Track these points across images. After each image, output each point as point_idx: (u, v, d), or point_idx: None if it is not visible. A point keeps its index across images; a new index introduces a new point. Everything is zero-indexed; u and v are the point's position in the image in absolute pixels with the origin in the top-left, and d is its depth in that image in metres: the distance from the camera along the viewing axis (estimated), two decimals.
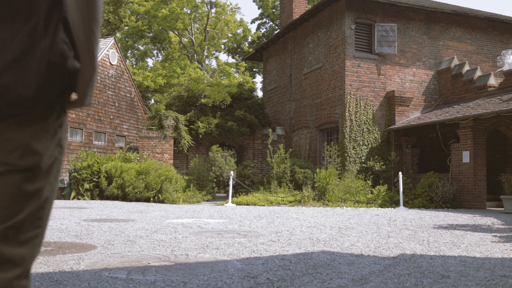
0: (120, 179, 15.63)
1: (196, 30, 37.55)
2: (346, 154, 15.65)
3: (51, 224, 7.71)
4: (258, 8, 40.18)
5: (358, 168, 15.62)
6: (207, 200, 16.65)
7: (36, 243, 1.30)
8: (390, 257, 4.97)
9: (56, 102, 1.29)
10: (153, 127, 18.12)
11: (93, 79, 1.34)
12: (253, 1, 40.41)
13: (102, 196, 16.16)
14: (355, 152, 15.74)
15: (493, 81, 15.12)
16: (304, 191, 14.58)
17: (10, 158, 1.22)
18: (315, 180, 14.78)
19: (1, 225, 1.22)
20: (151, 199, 15.34)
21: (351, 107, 15.88)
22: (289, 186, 15.48)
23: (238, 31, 38.09)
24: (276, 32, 32.99)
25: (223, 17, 36.76)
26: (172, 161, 18.17)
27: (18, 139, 1.23)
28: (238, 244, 5.69)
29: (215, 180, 26.00)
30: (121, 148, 20.77)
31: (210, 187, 17.77)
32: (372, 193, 14.36)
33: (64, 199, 16.51)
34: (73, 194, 16.10)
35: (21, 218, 1.25)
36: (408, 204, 13.76)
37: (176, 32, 35.70)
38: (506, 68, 14.31)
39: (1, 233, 1.22)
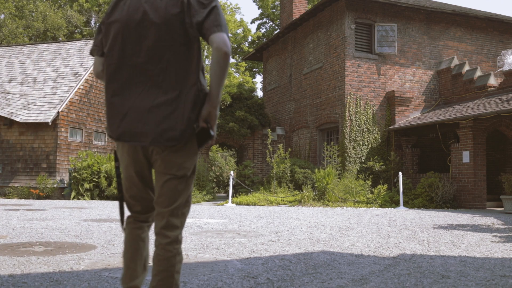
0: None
1: None
2: (346, 154, 15.65)
3: (51, 224, 7.71)
4: (258, 8, 40.19)
5: (358, 168, 15.62)
6: (207, 200, 16.65)
7: (185, 216, 2.37)
8: (390, 257, 4.96)
9: (193, 137, 2.23)
10: None
11: (216, 120, 2.24)
12: (253, 1, 40.43)
13: (102, 196, 16.17)
14: (355, 152, 15.74)
15: (493, 81, 15.12)
16: (304, 191, 14.58)
17: (172, 171, 2.27)
18: (315, 180, 14.78)
19: (169, 207, 2.27)
20: None
21: (351, 107, 15.88)
22: (289, 186, 15.48)
23: (238, 31, 38.10)
24: (276, 32, 32.99)
25: None
26: None
27: (175, 160, 2.25)
28: (238, 244, 5.69)
29: (215, 180, 26.00)
30: None
31: (210, 187, 17.77)
32: (372, 193, 14.36)
33: (64, 199, 16.52)
34: (73, 194, 16.11)
35: (178, 203, 2.31)
36: (408, 204, 13.76)
37: None
38: (506, 68, 14.31)
39: (170, 211, 2.27)
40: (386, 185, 14.52)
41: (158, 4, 2.20)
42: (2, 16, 33.64)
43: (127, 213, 2.46)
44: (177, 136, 2.17)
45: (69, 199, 16.38)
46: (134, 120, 2.21)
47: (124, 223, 2.44)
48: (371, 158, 15.69)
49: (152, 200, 2.40)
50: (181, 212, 2.32)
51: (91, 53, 2.43)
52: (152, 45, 2.20)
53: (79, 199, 15.95)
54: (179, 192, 2.30)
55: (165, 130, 2.17)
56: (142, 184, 2.38)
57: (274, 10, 38.81)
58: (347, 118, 15.82)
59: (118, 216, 9.52)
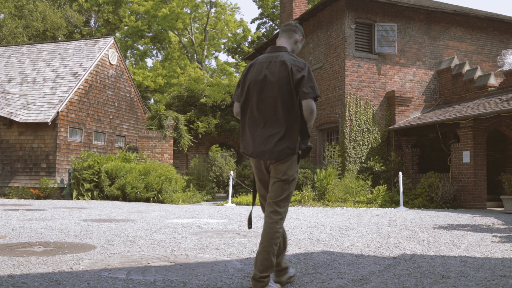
0: (122, 179, 15.61)
1: (196, 30, 37.54)
2: (346, 154, 15.64)
3: (51, 224, 7.70)
4: (258, 8, 40.17)
5: (358, 168, 15.60)
6: (206, 200, 16.64)
7: (286, 208, 3.35)
8: (390, 257, 4.96)
9: (294, 155, 3.33)
10: (153, 127, 18.11)
11: (310, 138, 3.38)
12: (253, 1, 40.41)
13: (102, 196, 16.16)
14: (355, 152, 15.73)
15: (493, 81, 15.11)
16: (304, 191, 14.57)
17: (278, 176, 3.32)
18: (315, 180, 14.77)
19: (276, 199, 3.29)
20: (151, 199, 15.33)
21: (351, 107, 15.87)
22: None
23: (238, 31, 38.08)
24: (276, 32, 32.97)
25: (223, 17, 36.76)
26: (172, 161, 18.16)
27: (282, 169, 3.31)
28: (238, 244, 5.68)
29: (215, 180, 26.00)
30: (120, 148, 20.76)
31: (210, 187, 17.77)
32: (372, 193, 14.35)
33: (64, 199, 16.51)
34: (74, 194, 16.10)
35: (282, 197, 3.32)
36: (408, 204, 13.75)
37: (176, 32, 35.69)
38: (506, 68, 14.30)
39: (276, 202, 3.29)
40: (386, 185, 14.51)
41: (274, 70, 3.41)
42: (2, 16, 33.63)
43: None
44: (282, 154, 3.32)
45: (69, 199, 16.37)
46: (259, 144, 3.38)
47: (252, 224, 3.66)
48: (371, 158, 15.68)
49: None
50: (283, 204, 3.36)
51: (233, 99, 3.69)
52: (271, 96, 3.39)
53: (79, 199, 15.95)
54: (283, 190, 3.35)
55: (276, 150, 3.32)
56: (264, 187, 3.51)
57: (274, 10, 38.80)
58: (347, 118, 15.81)
59: (110, 218, 9.55)
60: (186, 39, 37.18)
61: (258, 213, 11.01)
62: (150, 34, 37.89)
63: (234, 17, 37.26)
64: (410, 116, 16.29)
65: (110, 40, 20.53)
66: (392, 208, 13.11)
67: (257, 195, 3.65)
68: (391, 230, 7.45)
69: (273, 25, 39.76)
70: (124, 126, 21.52)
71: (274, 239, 3.24)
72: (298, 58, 3.48)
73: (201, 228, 7.48)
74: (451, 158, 14.16)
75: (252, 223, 8.44)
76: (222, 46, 39.55)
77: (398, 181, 14.02)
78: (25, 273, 3.89)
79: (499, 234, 7.03)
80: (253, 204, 3.77)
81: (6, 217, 8.86)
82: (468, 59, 17.11)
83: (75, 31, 38.30)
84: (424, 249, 5.54)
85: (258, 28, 40.33)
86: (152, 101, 37.14)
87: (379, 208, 13.14)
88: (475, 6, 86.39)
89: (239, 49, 39.88)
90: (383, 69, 16.37)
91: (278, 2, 36.36)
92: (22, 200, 15.82)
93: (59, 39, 33.35)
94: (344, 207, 13.34)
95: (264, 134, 3.37)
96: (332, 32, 16.82)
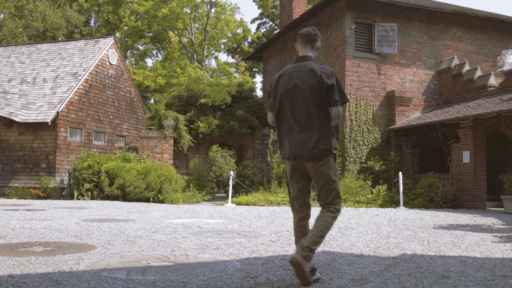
0: (121, 179, 15.61)
1: (196, 30, 37.54)
2: (346, 154, 15.64)
3: (51, 224, 7.70)
4: (258, 8, 40.17)
5: (358, 168, 15.60)
6: (207, 200, 16.64)
7: (340, 204, 3.64)
8: (390, 257, 4.96)
9: (330, 155, 3.58)
10: (153, 127, 18.11)
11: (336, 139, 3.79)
12: (253, 1, 40.41)
13: (102, 196, 16.16)
14: (355, 152, 15.73)
15: (493, 81, 15.11)
16: None
17: (322, 179, 3.60)
18: None
19: (326, 201, 3.61)
20: (151, 199, 15.33)
21: (351, 107, 15.87)
22: None
23: (238, 31, 38.08)
24: (276, 32, 32.99)
25: (223, 17, 36.75)
26: (172, 161, 18.16)
27: (323, 171, 3.58)
28: (238, 244, 5.69)
29: (215, 180, 26.00)
30: (120, 148, 20.76)
31: (210, 187, 17.77)
32: (372, 193, 14.35)
33: (64, 199, 16.51)
34: (75, 193, 16.10)
35: (332, 196, 3.61)
36: (408, 204, 13.75)
37: (176, 32, 35.69)
38: (506, 68, 14.30)
39: (329, 203, 3.61)
40: (386, 185, 14.51)
41: (303, 77, 3.65)
42: (2, 15, 33.63)
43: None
44: (320, 155, 3.55)
45: (69, 199, 16.36)
46: (296, 147, 3.62)
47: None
48: (371, 158, 15.68)
49: (307, 199, 3.73)
50: (336, 202, 3.63)
51: (267, 110, 3.92)
52: (303, 102, 3.63)
53: (79, 199, 15.95)
54: (330, 191, 3.62)
55: (314, 152, 3.56)
56: (298, 189, 3.70)
57: (274, 10, 38.79)
58: (347, 118, 15.81)
59: (110, 218, 9.56)
60: (186, 39, 37.18)
61: (258, 213, 11.00)
62: (150, 34, 37.88)
63: (234, 17, 37.26)
64: (410, 116, 16.29)
65: (110, 40, 20.52)
66: (392, 208, 13.11)
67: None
68: (391, 230, 7.45)
69: (273, 25, 39.75)
70: (124, 126, 21.52)
71: (327, 223, 3.55)
72: (325, 65, 3.77)
73: (201, 228, 7.48)
74: (451, 158, 14.16)
75: (253, 223, 8.46)
76: (222, 46, 39.54)
77: (398, 181, 14.02)
78: (25, 273, 3.89)
79: (499, 234, 7.03)
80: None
81: (6, 217, 8.86)
82: (468, 59, 17.11)
83: (75, 31, 38.30)
84: (424, 249, 5.54)
85: (258, 28, 40.33)
86: (152, 101, 37.14)
87: (379, 208, 13.14)
88: (475, 6, 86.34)
89: (239, 49, 39.87)
90: (383, 69, 16.37)
91: (278, 2, 36.36)
92: (22, 200, 15.82)
93: (59, 39, 33.35)
94: (344, 207, 13.34)
95: (300, 138, 3.62)
96: (332, 32, 16.82)
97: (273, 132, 18.21)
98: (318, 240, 3.47)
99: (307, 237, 3.47)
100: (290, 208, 13.40)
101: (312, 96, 3.59)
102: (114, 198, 15.84)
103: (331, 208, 3.62)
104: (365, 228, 7.69)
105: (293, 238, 6.38)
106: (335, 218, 3.61)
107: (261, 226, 7.86)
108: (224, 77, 36.41)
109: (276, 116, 3.79)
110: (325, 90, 3.59)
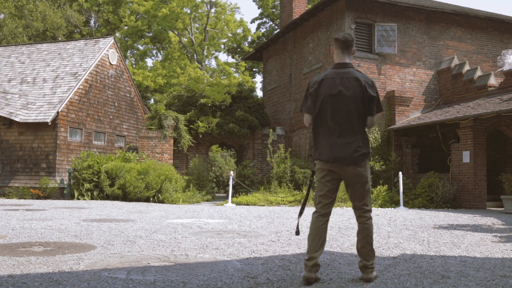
0: (122, 179, 15.60)
1: (196, 30, 37.54)
2: None
3: (51, 224, 7.70)
4: (258, 8, 40.17)
5: None
6: (206, 200, 16.64)
7: (370, 202, 3.91)
8: (390, 257, 4.96)
9: (367, 159, 3.85)
10: (153, 127, 18.11)
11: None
12: (253, 1, 40.40)
13: (102, 196, 16.16)
14: None
15: (493, 81, 15.11)
16: (304, 191, 14.57)
17: (359, 180, 3.82)
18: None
19: (361, 202, 3.85)
20: (151, 199, 15.33)
21: None
22: (289, 186, 15.46)
23: (238, 31, 38.08)
24: (276, 32, 32.98)
25: (223, 16, 36.75)
26: (172, 161, 18.16)
27: (361, 173, 3.81)
28: (238, 244, 5.68)
29: (215, 180, 25.99)
30: (120, 148, 20.76)
31: (210, 187, 17.76)
32: (372, 193, 14.35)
33: (64, 199, 16.50)
34: (76, 193, 16.09)
35: (367, 197, 3.87)
36: (408, 204, 13.75)
37: (176, 32, 35.68)
38: (506, 68, 14.30)
39: (364, 204, 3.85)
40: (386, 185, 14.51)
41: (347, 85, 3.81)
42: (2, 15, 33.62)
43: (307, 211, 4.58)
44: (360, 159, 3.78)
45: (69, 199, 16.36)
46: (337, 151, 3.78)
47: (302, 215, 4.12)
48: (371, 158, 15.68)
49: (333, 199, 3.90)
50: (369, 202, 3.89)
51: (301, 111, 4.07)
52: (346, 109, 3.80)
53: (79, 199, 15.94)
54: (365, 191, 3.86)
55: (355, 156, 3.77)
56: (329, 188, 3.86)
57: (274, 10, 38.79)
58: None
59: (110, 218, 9.56)
60: (186, 39, 37.18)
61: (258, 213, 11.00)
62: (150, 34, 37.88)
63: (234, 17, 37.25)
64: (410, 116, 16.28)
65: (110, 40, 20.52)
66: (392, 208, 13.11)
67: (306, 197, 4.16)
68: (391, 230, 7.45)
69: (273, 25, 39.75)
70: (124, 126, 21.52)
71: (370, 231, 3.81)
72: (365, 75, 4.00)
73: (201, 228, 7.48)
74: (451, 158, 14.16)
75: (253, 223, 8.46)
76: (222, 46, 39.54)
77: (398, 181, 14.01)
78: (25, 273, 3.89)
79: (499, 234, 7.03)
80: (301, 213, 4.03)
81: (6, 217, 8.86)
82: (468, 59, 17.11)
83: (75, 31, 38.30)
84: (424, 249, 5.54)
85: (258, 28, 40.32)
86: (152, 101, 37.14)
87: (379, 208, 13.14)
88: (475, 6, 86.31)
89: (239, 49, 39.86)
90: (383, 69, 16.37)
91: (278, 2, 36.35)
92: (22, 200, 15.82)
93: (59, 39, 33.35)
94: (344, 207, 13.34)
95: (341, 142, 3.80)
96: (332, 32, 16.82)
97: (273, 132, 18.23)
98: (372, 253, 3.82)
99: (364, 255, 3.79)
100: (290, 207, 13.45)
101: (356, 103, 3.79)
102: (114, 198, 15.84)
103: (365, 210, 3.86)
104: None
105: (293, 238, 6.37)
106: (371, 219, 3.89)
107: (261, 226, 7.86)
108: (224, 77, 36.41)
109: (315, 119, 3.92)
110: (367, 100, 3.82)
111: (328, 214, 3.85)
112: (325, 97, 3.82)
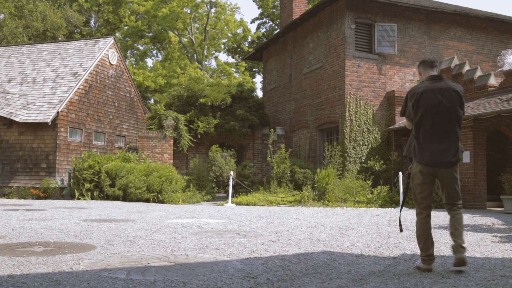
0: (125, 180, 15.58)
1: (196, 30, 37.55)
2: (346, 154, 15.64)
3: (51, 224, 7.70)
4: (258, 8, 40.17)
5: (358, 168, 15.60)
6: (206, 200, 16.64)
7: (461, 197, 4.40)
8: (390, 257, 4.96)
9: (458, 162, 4.33)
10: (153, 127, 18.11)
11: None
12: (253, 1, 40.41)
13: (102, 196, 16.16)
14: (355, 152, 15.73)
15: (493, 81, 15.11)
16: (304, 191, 14.57)
17: (452, 181, 4.35)
18: (315, 180, 14.76)
19: (455, 198, 4.35)
20: (151, 199, 15.33)
21: (351, 107, 15.87)
22: (289, 186, 15.46)
23: (238, 31, 38.09)
24: (276, 32, 32.98)
25: (223, 17, 36.76)
26: (172, 161, 18.16)
27: (454, 175, 4.33)
28: (238, 244, 5.68)
29: (215, 180, 25.99)
30: (120, 148, 20.76)
31: (210, 187, 17.75)
32: (372, 193, 14.35)
33: (64, 199, 16.51)
34: (77, 194, 16.09)
35: (458, 195, 4.34)
36: (408, 204, 13.74)
37: (176, 32, 35.69)
38: (506, 68, 14.30)
39: (456, 201, 4.34)
40: (387, 186, 14.50)
41: (447, 96, 4.27)
42: (2, 16, 33.62)
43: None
44: (456, 163, 4.27)
45: (69, 199, 16.36)
46: (437, 156, 4.26)
47: (403, 227, 4.77)
48: (371, 158, 15.68)
49: (431, 199, 4.39)
50: (460, 198, 4.35)
51: (402, 115, 4.62)
52: (445, 118, 4.26)
53: (79, 199, 15.94)
54: (456, 190, 4.33)
55: (453, 160, 4.25)
56: (428, 189, 4.35)
57: (274, 10, 38.80)
58: (347, 118, 15.81)
59: (110, 218, 9.55)
60: (186, 39, 37.18)
61: (258, 213, 11.00)
62: (150, 34, 37.88)
63: (234, 17, 37.26)
64: None
65: (110, 40, 20.53)
66: (392, 208, 13.11)
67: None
68: (391, 230, 7.45)
69: (273, 25, 39.75)
70: (124, 126, 21.53)
71: (461, 218, 4.32)
72: (458, 84, 4.61)
73: (201, 228, 7.48)
74: None
75: (253, 223, 8.47)
76: (222, 46, 39.55)
77: (398, 181, 14.01)
78: (25, 273, 3.89)
79: (499, 234, 7.03)
80: (402, 209, 4.75)
81: (6, 217, 8.86)
82: (468, 59, 17.10)
83: (75, 31, 38.30)
84: None
85: (258, 28, 40.32)
86: (152, 101, 37.14)
87: (379, 208, 13.14)
88: (475, 6, 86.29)
89: (239, 49, 39.87)
90: (383, 69, 16.37)
91: (278, 2, 36.35)
92: (22, 200, 15.82)
93: (59, 39, 33.35)
94: (344, 207, 13.34)
95: (440, 148, 4.26)
96: (332, 32, 16.82)
97: (273, 132, 18.23)
98: (463, 237, 4.28)
99: (459, 237, 4.20)
100: (290, 207, 13.46)
101: (456, 114, 4.28)
102: (114, 198, 15.84)
103: (459, 207, 4.34)
104: (365, 228, 7.69)
105: (293, 238, 6.38)
106: (462, 209, 4.42)
107: (261, 226, 7.86)
108: (224, 77, 36.42)
109: (416, 125, 4.36)
110: (461, 109, 4.35)
111: (430, 213, 4.36)
112: (427, 107, 4.27)
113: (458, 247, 4.18)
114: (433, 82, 4.36)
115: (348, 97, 15.88)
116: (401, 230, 4.56)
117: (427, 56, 4.55)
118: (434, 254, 4.36)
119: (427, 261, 4.21)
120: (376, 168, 15.27)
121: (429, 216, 4.34)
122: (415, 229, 4.39)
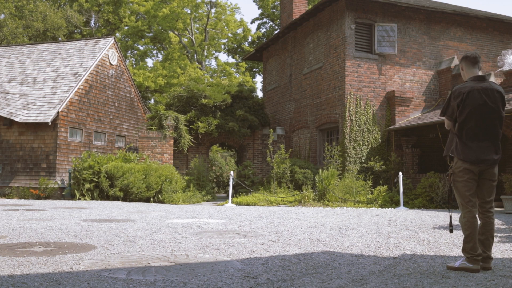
0: (125, 180, 15.57)
1: (196, 30, 37.55)
2: (346, 154, 15.64)
3: (51, 225, 7.71)
4: (258, 8, 40.18)
5: (358, 168, 15.60)
6: (207, 200, 16.64)
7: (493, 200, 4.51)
8: (390, 257, 4.96)
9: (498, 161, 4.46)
10: (153, 127, 18.12)
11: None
12: (253, 1, 40.41)
13: (103, 196, 16.16)
14: (355, 152, 15.73)
15: (493, 81, 15.11)
16: (304, 191, 14.58)
17: (493, 179, 4.46)
18: (315, 180, 14.76)
19: (491, 197, 4.44)
20: (151, 199, 15.33)
21: (351, 107, 15.87)
22: (289, 186, 15.47)
23: (238, 31, 38.09)
24: (276, 32, 32.99)
25: (223, 17, 36.76)
26: (172, 161, 18.16)
27: (495, 172, 4.46)
28: (238, 245, 5.69)
29: (215, 180, 26.00)
30: (120, 148, 20.76)
31: (210, 187, 17.76)
32: (372, 193, 14.35)
33: (64, 199, 16.51)
34: (77, 194, 16.08)
35: (494, 195, 4.45)
36: (408, 204, 13.75)
37: (176, 32, 35.69)
38: (506, 68, 14.30)
39: (491, 200, 4.44)
40: (386, 185, 14.50)
41: (491, 97, 4.40)
42: (2, 16, 33.63)
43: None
44: (497, 161, 4.38)
45: (69, 199, 16.36)
46: (481, 154, 4.36)
47: (453, 226, 4.72)
48: (371, 158, 15.68)
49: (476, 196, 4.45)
50: (493, 199, 4.43)
51: (443, 115, 4.68)
52: (489, 117, 4.39)
53: (79, 199, 15.95)
54: (494, 189, 4.45)
55: (495, 159, 4.38)
56: (473, 187, 4.40)
57: (274, 10, 38.80)
58: (347, 118, 15.81)
59: (110, 218, 9.56)
60: (186, 39, 37.19)
61: (258, 213, 11.01)
62: (150, 34, 37.88)
63: (234, 17, 37.26)
64: (410, 116, 16.29)
65: (110, 40, 20.53)
66: (392, 208, 13.11)
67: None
68: (391, 230, 7.45)
69: (273, 25, 39.75)
70: (124, 126, 21.53)
71: (494, 226, 4.38)
72: (499, 85, 4.73)
73: (201, 228, 7.48)
74: None
75: (253, 223, 8.47)
76: (222, 46, 39.55)
77: (398, 181, 14.01)
78: (25, 273, 3.89)
79: (499, 234, 7.03)
80: (450, 206, 4.90)
81: (6, 217, 8.86)
82: None
83: (75, 31, 38.31)
84: (424, 249, 5.55)
85: (258, 28, 40.33)
86: (152, 101, 37.14)
87: (379, 208, 13.14)
88: (475, 6, 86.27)
89: (239, 49, 39.87)
90: (383, 69, 16.38)
91: (278, 2, 36.36)
92: (23, 200, 15.82)
93: (59, 39, 33.35)
94: (344, 207, 13.34)
95: (483, 146, 4.38)
96: (332, 32, 16.82)
97: (273, 132, 18.24)
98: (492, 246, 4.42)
99: (488, 247, 4.33)
100: (290, 208, 13.46)
101: (499, 114, 4.42)
102: (115, 198, 15.84)
103: (492, 207, 4.42)
104: (365, 228, 7.69)
105: (293, 238, 6.38)
106: (494, 214, 4.48)
107: (261, 226, 7.86)
108: (224, 77, 36.42)
109: (460, 124, 4.48)
110: (504, 109, 4.50)
111: (476, 210, 4.40)
112: (473, 107, 4.38)
113: (488, 259, 4.28)
114: (477, 83, 4.46)
115: (348, 97, 15.88)
116: (451, 231, 4.66)
117: (470, 51, 4.57)
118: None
119: (477, 261, 4.23)
120: (376, 168, 15.28)
121: (476, 213, 4.39)
122: (461, 229, 4.38)
